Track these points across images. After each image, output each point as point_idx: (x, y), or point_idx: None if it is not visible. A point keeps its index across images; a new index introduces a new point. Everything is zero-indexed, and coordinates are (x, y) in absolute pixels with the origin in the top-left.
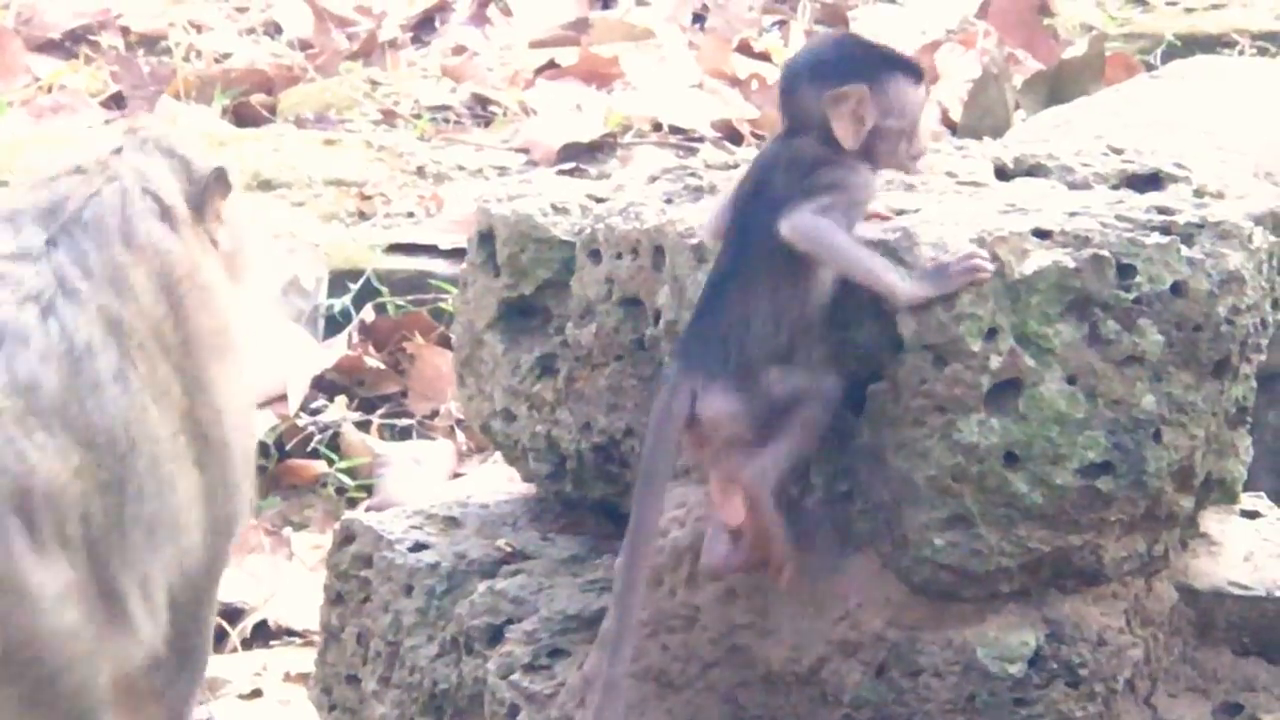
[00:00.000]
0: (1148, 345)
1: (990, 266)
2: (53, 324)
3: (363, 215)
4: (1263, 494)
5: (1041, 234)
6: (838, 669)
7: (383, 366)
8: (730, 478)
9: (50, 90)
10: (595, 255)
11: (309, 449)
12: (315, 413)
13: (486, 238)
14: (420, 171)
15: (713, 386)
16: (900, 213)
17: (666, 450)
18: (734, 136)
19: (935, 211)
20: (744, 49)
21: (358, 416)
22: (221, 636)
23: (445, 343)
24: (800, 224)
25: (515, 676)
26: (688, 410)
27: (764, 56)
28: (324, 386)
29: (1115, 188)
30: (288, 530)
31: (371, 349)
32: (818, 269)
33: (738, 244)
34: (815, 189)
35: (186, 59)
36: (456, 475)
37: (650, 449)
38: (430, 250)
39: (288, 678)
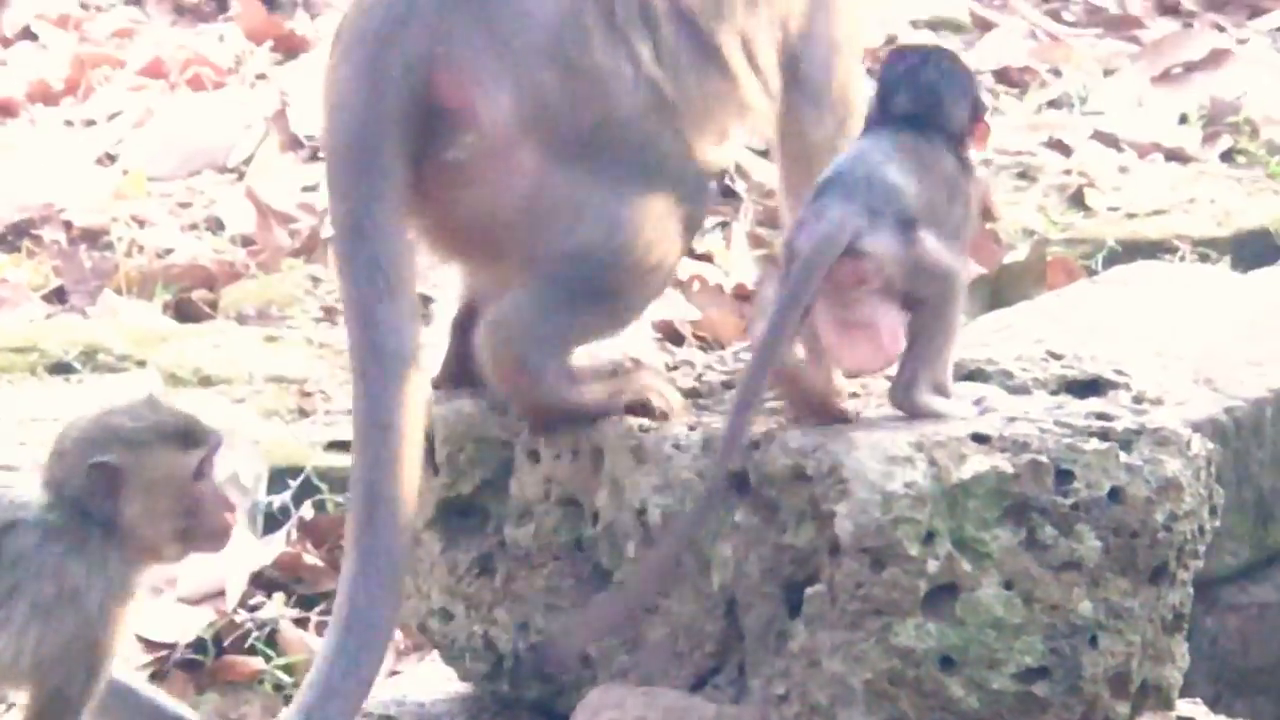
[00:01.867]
0: (1085, 551)
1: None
2: None
3: (303, 412)
4: (1199, 700)
5: (980, 439)
6: None
7: (321, 564)
8: (867, 322)
9: None
10: (534, 455)
11: (246, 645)
12: (253, 609)
13: (425, 437)
14: None
15: (880, 224)
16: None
17: (814, 277)
18: (675, 338)
19: (875, 414)
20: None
21: (296, 613)
22: None
23: None
24: (945, 257)
25: None
26: (849, 240)
27: (706, 258)
28: (262, 583)
29: (1054, 393)
30: None
31: (310, 546)
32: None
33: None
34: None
35: (129, 254)
36: (394, 673)
37: (800, 273)
38: None
39: None
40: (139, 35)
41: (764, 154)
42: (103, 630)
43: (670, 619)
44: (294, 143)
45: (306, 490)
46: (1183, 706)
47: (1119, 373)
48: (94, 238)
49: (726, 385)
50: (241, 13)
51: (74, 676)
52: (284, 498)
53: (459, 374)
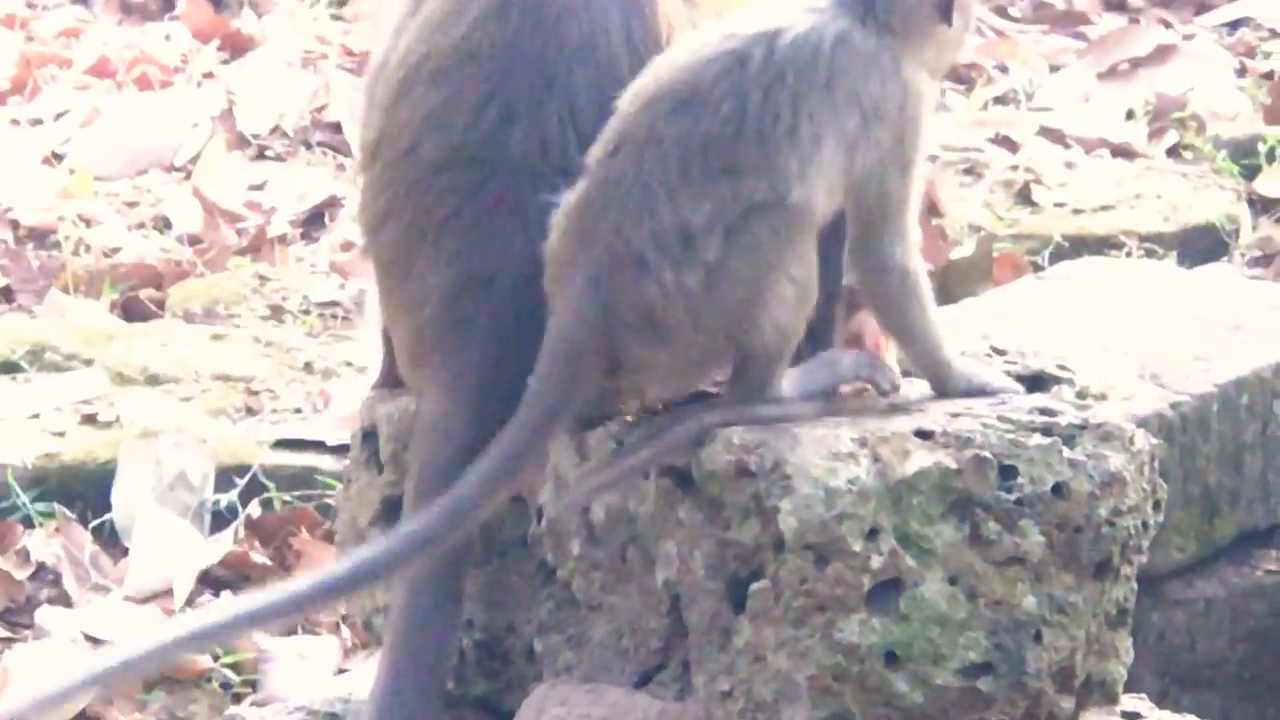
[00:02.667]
0: (1029, 546)
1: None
2: None
3: (250, 411)
4: (1144, 695)
5: (924, 434)
6: None
7: (269, 562)
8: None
9: None
10: None
11: None
12: (200, 608)
13: (370, 434)
14: (308, 367)
15: None
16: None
17: None
18: None
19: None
20: None
21: None
22: None
23: (331, 538)
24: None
25: None
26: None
27: None
28: (210, 582)
29: None
30: None
31: (258, 544)
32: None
33: None
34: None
35: (76, 253)
36: (341, 671)
37: None
38: (317, 446)
39: None
40: (86, 34)
41: None
42: None
43: (614, 616)
44: (241, 141)
45: (254, 489)
46: (1127, 701)
47: (1063, 368)
48: (41, 237)
49: None
50: (188, 11)
51: None
52: (231, 496)
53: (397, 376)
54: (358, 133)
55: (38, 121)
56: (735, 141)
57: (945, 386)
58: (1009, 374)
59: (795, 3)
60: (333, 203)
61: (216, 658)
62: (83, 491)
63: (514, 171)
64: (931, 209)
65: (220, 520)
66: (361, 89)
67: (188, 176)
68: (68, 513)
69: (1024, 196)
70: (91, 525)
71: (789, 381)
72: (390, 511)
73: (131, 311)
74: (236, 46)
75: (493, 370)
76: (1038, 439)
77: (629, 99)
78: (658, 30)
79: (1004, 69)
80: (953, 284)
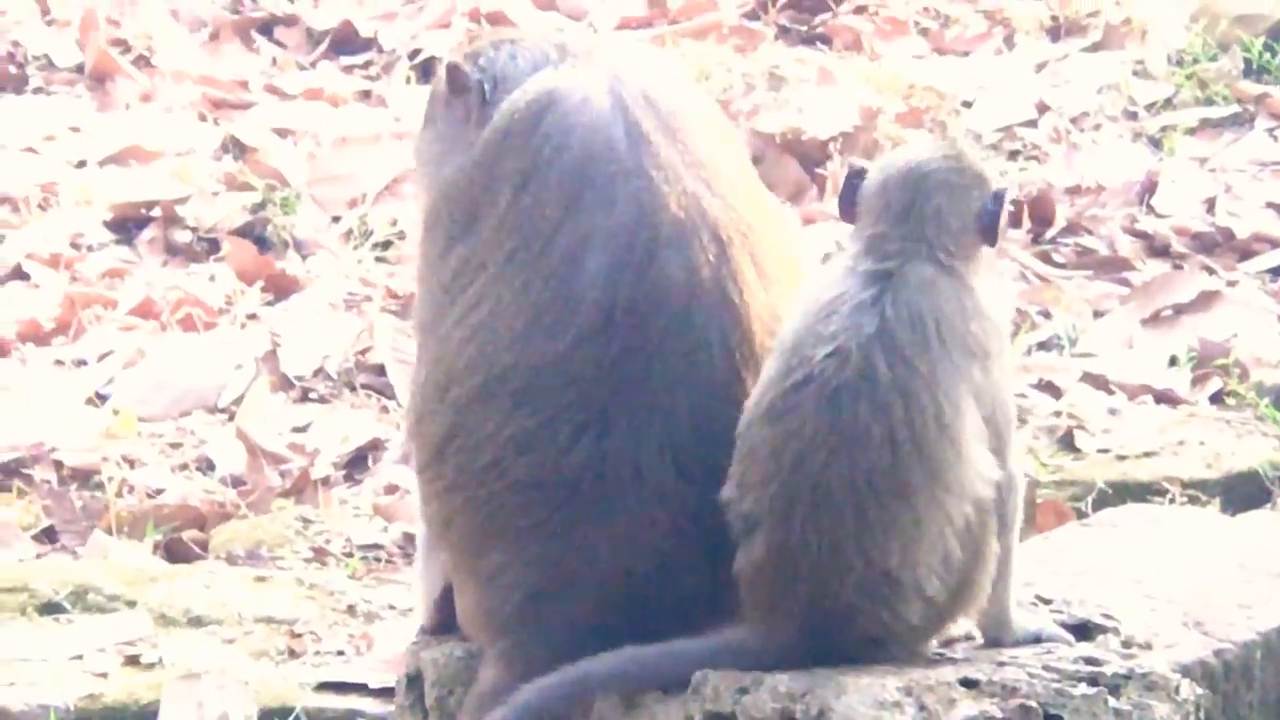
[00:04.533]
0: None
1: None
2: None
3: (293, 653)
4: None
5: (969, 683)
6: None
7: None
8: None
9: None
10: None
11: None
12: None
13: (415, 679)
14: (351, 610)
15: None
16: None
17: None
18: None
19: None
20: None
21: None
22: None
23: None
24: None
25: None
26: None
27: None
28: None
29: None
30: None
31: None
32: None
33: None
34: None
35: (119, 494)
36: None
37: None
38: (360, 689)
39: None
40: (130, 275)
41: None
42: None
43: None
44: (284, 383)
45: None
46: None
47: (1108, 616)
48: (84, 477)
49: None
50: (232, 253)
51: None
52: None
53: (447, 621)
54: (409, 396)
55: (81, 362)
56: (897, 469)
57: (1001, 632)
58: (1053, 623)
59: (842, 267)
60: (376, 445)
61: None
62: None
63: (605, 492)
64: None
65: None
66: (412, 342)
67: (231, 418)
68: None
69: (1067, 443)
70: None
71: None
72: None
73: (174, 553)
74: (281, 288)
75: (561, 661)
76: (1083, 689)
77: (771, 446)
78: (753, 334)
79: (1047, 315)
80: None
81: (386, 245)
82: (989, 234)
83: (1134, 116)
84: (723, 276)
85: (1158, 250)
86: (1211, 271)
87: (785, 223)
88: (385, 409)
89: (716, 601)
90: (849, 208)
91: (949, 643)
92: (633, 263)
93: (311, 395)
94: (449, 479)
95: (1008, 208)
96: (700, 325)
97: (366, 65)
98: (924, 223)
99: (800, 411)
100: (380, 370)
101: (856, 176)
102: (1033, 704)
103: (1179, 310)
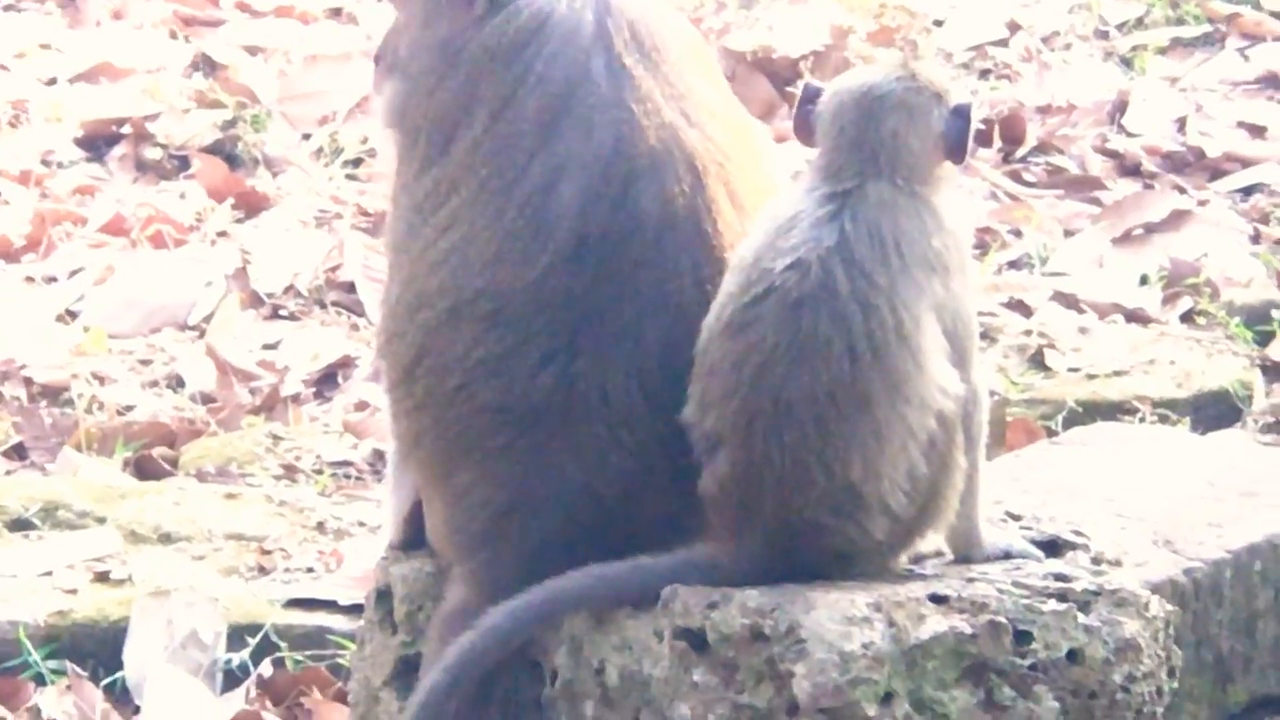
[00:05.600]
0: (1043, 711)
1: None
2: None
3: (263, 570)
4: None
5: (938, 599)
6: None
7: None
8: None
9: None
10: None
11: None
12: None
13: (384, 595)
14: (320, 527)
15: None
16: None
17: None
18: None
19: None
20: None
21: None
22: None
23: (344, 698)
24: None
25: None
26: None
27: None
28: None
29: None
30: None
31: (269, 703)
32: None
33: None
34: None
35: (89, 411)
36: None
37: None
38: (329, 606)
39: None
40: (100, 192)
41: None
42: None
43: None
44: (255, 300)
45: (265, 648)
46: None
47: (1078, 534)
48: (54, 394)
49: None
50: (203, 170)
51: None
52: (243, 655)
53: (417, 537)
54: (379, 317)
55: (52, 279)
56: (857, 380)
57: (970, 549)
58: (1023, 539)
59: (801, 189)
60: (346, 362)
61: None
62: (94, 650)
63: (572, 416)
64: None
65: (232, 679)
66: (383, 260)
67: (201, 335)
68: (79, 671)
69: (1038, 362)
70: (103, 683)
71: None
72: (405, 672)
73: (144, 470)
74: (251, 205)
75: (528, 580)
76: (1053, 605)
77: (732, 360)
78: (725, 264)
79: (1018, 234)
80: None
81: (357, 163)
82: (956, 152)
83: (1105, 36)
84: (697, 207)
85: (1128, 169)
86: (1182, 191)
87: (762, 148)
88: (355, 326)
89: (683, 522)
90: (804, 132)
91: (918, 559)
92: (608, 194)
93: (282, 312)
94: (418, 399)
95: (975, 123)
96: (673, 255)
97: None
98: (880, 147)
99: (761, 324)
100: (350, 288)
101: (810, 99)
102: (1002, 620)
103: (1150, 229)
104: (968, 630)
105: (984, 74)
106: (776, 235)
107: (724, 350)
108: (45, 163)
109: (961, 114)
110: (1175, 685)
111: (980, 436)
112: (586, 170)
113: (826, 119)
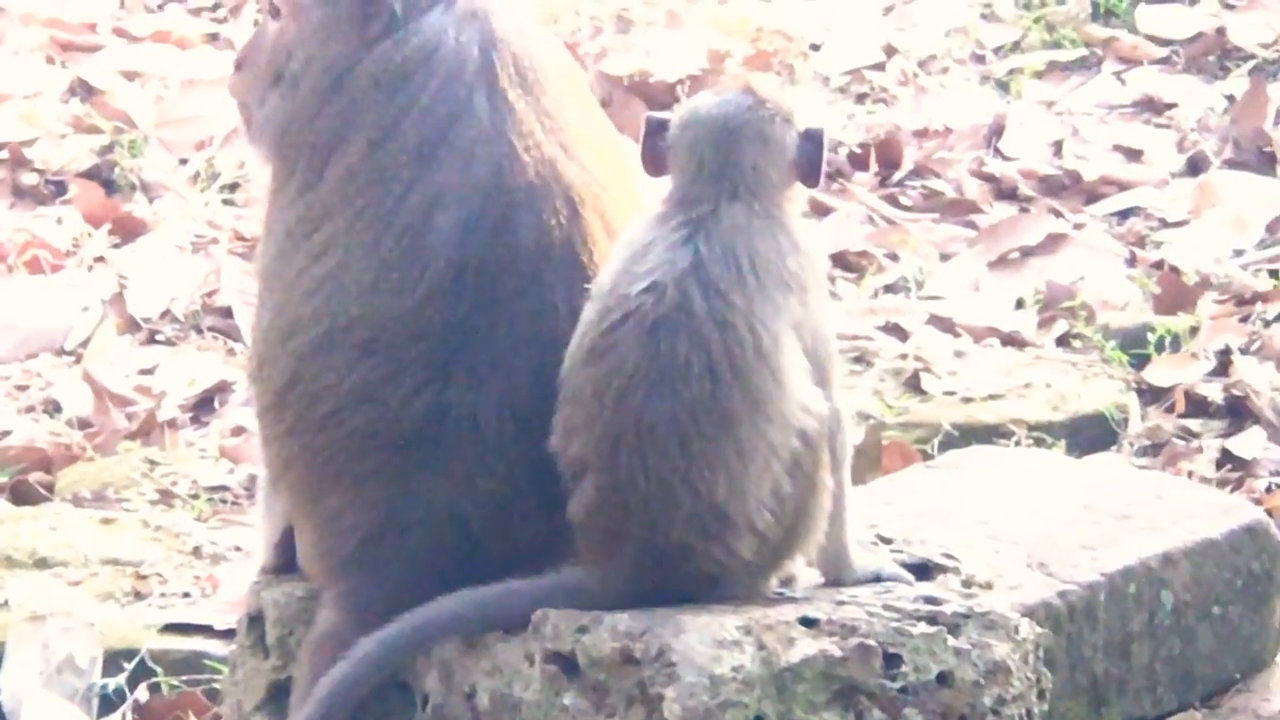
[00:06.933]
0: None
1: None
2: None
3: (139, 595)
4: None
5: (808, 622)
6: None
7: None
8: None
9: None
10: None
11: None
12: None
13: (256, 620)
14: (196, 552)
15: None
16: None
17: None
18: None
19: None
20: None
21: None
22: None
23: None
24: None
25: None
26: None
27: None
28: None
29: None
30: None
31: None
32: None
33: None
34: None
35: None
36: None
37: None
38: (205, 630)
39: None
40: None
41: None
42: None
43: None
44: (132, 325)
45: (142, 673)
46: None
47: (949, 556)
48: None
49: None
50: (79, 195)
51: None
52: (119, 680)
53: (288, 562)
54: (251, 342)
55: None
56: (719, 397)
57: (841, 571)
58: (894, 563)
59: (656, 216)
60: (223, 387)
61: None
62: None
63: (443, 442)
64: None
65: (108, 704)
66: (255, 283)
67: (78, 360)
68: None
69: (913, 385)
70: None
71: None
72: (276, 696)
73: (20, 495)
74: (128, 231)
75: (398, 604)
76: (923, 627)
77: (594, 386)
78: None
79: (894, 257)
80: None
81: (234, 188)
82: (811, 176)
83: (981, 60)
84: (573, 239)
85: (1005, 193)
86: (1058, 214)
87: (637, 177)
88: (232, 351)
89: (553, 547)
90: (654, 165)
91: (788, 582)
92: (486, 225)
93: (158, 337)
94: (288, 424)
95: (827, 148)
96: (549, 286)
97: (214, 8)
98: (740, 178)
99: (620, 349)
100: (227, 313)
101: (657, 130)
102: (872, 643)
103: (1025, 253)
104: (838, 653)
105: (860, 98)
106: (632, 261)
107: (585, 377)
108: None
109: (814, 139)
110: (1046, 708)
111: (846, 456)
112: (465, 202)
113: (682, 152)
